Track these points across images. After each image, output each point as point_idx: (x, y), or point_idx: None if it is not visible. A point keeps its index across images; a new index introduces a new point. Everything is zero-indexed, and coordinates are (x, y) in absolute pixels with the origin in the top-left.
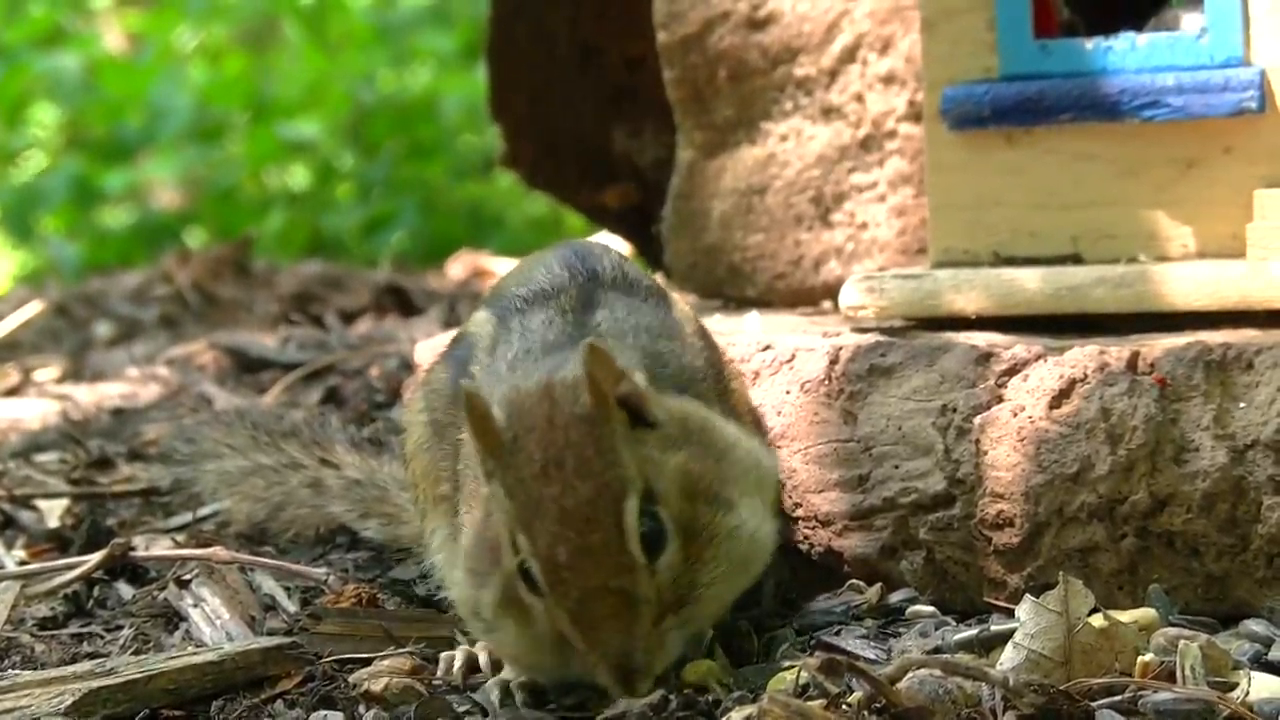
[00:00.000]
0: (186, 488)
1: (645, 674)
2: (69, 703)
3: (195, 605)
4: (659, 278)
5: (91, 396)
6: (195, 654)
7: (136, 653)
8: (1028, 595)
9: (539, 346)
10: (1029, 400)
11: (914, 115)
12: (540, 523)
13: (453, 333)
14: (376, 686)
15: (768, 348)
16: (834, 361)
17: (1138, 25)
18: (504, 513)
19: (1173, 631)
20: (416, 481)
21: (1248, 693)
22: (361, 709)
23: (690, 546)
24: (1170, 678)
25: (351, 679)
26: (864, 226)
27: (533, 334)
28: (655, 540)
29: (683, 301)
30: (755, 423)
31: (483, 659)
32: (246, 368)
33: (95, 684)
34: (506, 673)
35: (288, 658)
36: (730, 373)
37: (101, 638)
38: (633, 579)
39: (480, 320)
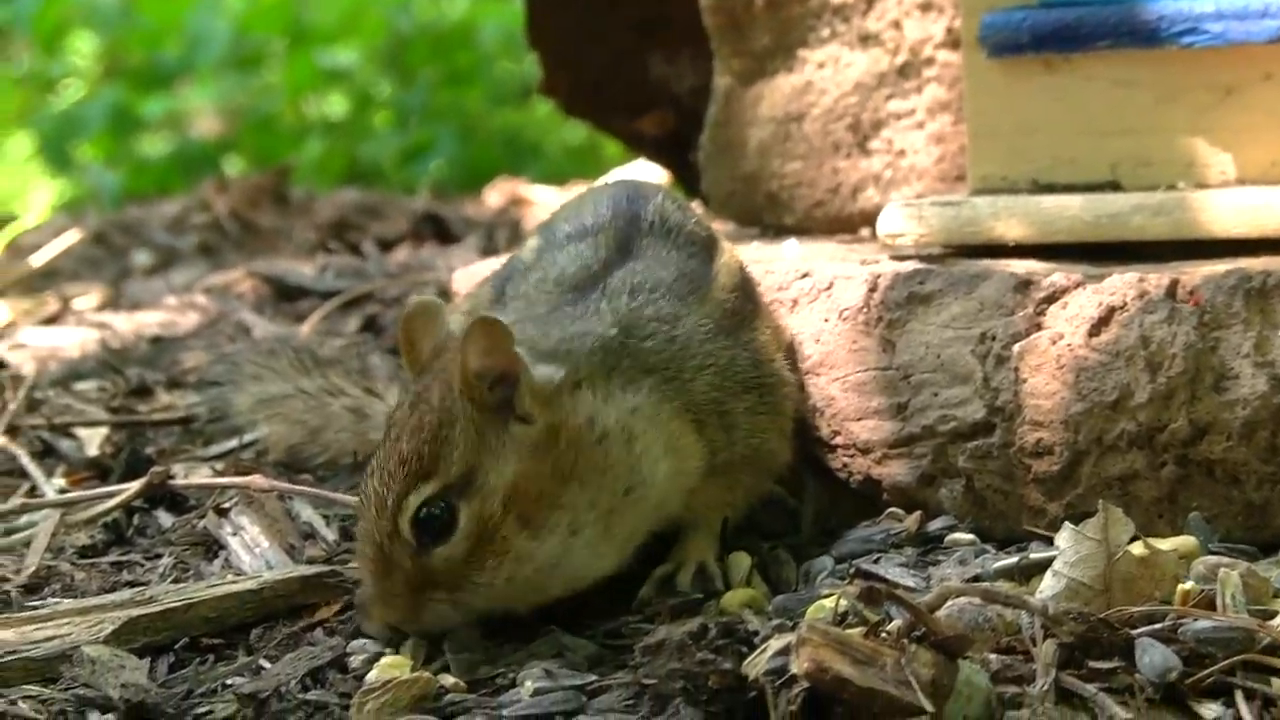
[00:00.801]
0: (226, 412)
1: (378, 626)
2: (109, 631)
3: (234, 533)
4: (699, 207)
5: (130, 325)
6: (234, 582)
7: (176, 581)
8: (1067, 523)
9: (554, 280)
10: (1068, 328)
11: (952, 42)
12: (379, 451)
13: (492, 260)
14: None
15: (806, 275)
16: (873, 289)
17: None
18: None
19: (1212, 559)
20: None
21: None
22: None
23: (482, 549)
24: (1210, 606)
25: None
26: (902, 154)
27: (556, 267)
28: (435, 530)
29: (731, 252)
30: (787, 365)
31: None
32: (284, 296)
33: (135, 612)
34: None
35: (327, 586)
36: (761, 323)
37: (141, 566)
38: (393, 546)
39: (529, 246)
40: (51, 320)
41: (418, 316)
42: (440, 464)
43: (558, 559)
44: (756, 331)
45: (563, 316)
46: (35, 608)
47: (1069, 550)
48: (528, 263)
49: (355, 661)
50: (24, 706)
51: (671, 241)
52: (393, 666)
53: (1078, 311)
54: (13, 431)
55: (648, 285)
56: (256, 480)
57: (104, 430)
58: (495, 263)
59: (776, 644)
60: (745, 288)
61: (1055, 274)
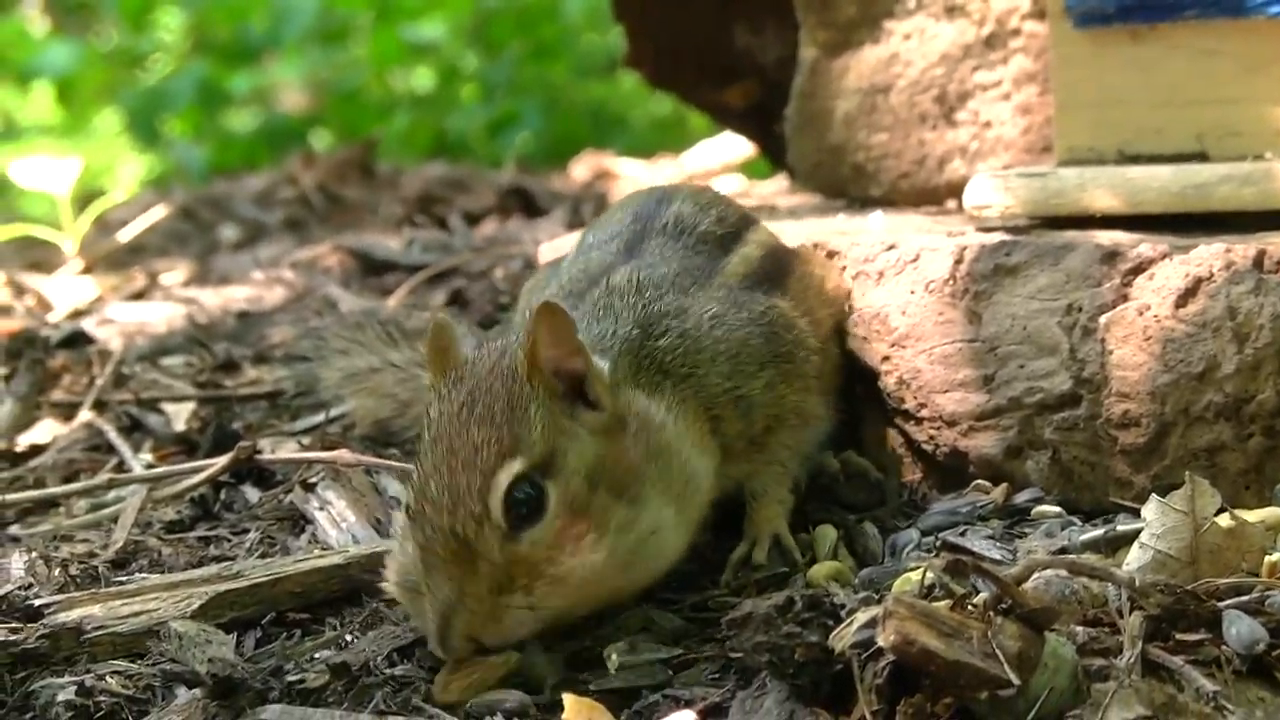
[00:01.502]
0: (313, 387)
1: (461, 637)
2: (196, 606)
3: (321, 508)
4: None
5: (217, 299)
6: (321, 557)
7: (263, 556)
8: (1154, 495)
9: (585, 274)
10: (1155, 299)
11: (1038, 13)
12: (428, 456)
13: (577, 235)
14: None
15: (892, 247)
16: (959, 261)
17: None
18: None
19: None
20: None
21: None
22: None
23: (574, 527)
24: None
25: None
26: (988, 125)
27: (567, 276)
28: (528, 509)
29: (757, 243)
30: (824, 326)
31: None
32: (371, 270)
33: (222, 587)
34: None
35: None
36: (783, 293)
37: (228, 541)
38: (480, 533)
39: (568, 257)
40: (139, 295)
41: (446, 330)
42: (521, 444)
43: (656, 526)
44: (775, 301)
45: (577, 319)
46: (123, 583)
47: (1155, 522)
48: (560, 272)
49: None
50: (111, 682)
51: (680, 241)
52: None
53: (1164, 282)
54: (100, 407)
55: (652, 281)
56: (343, 455)
57: (191, 405)
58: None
59: (863, 617)
60: (768, 265)
61: (1142, 245)
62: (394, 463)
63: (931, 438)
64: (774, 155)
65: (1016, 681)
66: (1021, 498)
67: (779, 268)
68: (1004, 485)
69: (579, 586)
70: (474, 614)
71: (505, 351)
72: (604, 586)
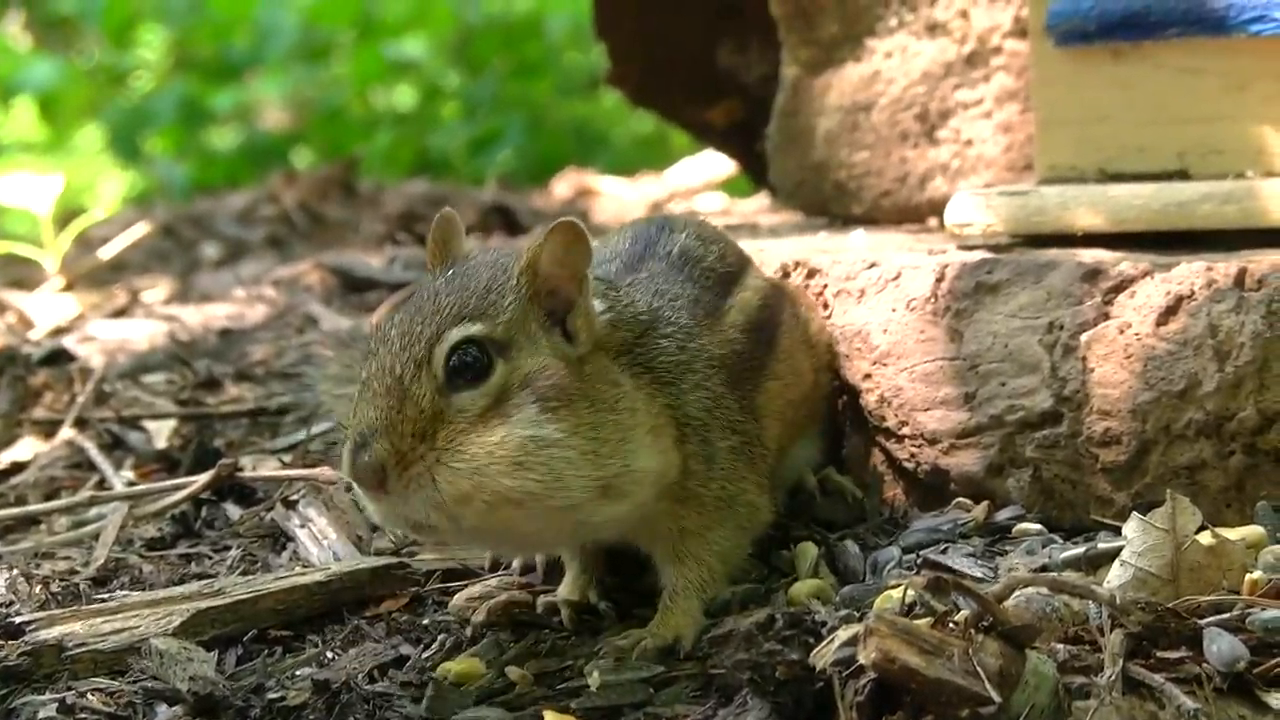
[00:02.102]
0: (303, 408)
1: (374, 462)
2: (177, 623)
3: (302, 525)
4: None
5: (199, 317)
6: (303, 574)
7: (244, 573)
8: (1135, 513)
9: None
10: (1136, 317)
11: (1019, 31)
12: (404, 307)
13: None
14: (478, 617)
15: (874, 265)
16: (940, 279)
17: None
18: None
19: None
20: None
21: None
22: (466, 631)
23: (494, 416)
24: (1278, 595)
25: (450, 604)
26: (969, 143)
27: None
28: (470, 374)
29: (755, 291)
30: (796, 421)
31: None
32: (353, 287)
33: (203, 604)
34: (562, 590)
35: (395, 578)
36: (767, 377)
37: (209, 558)
38: (417, 377)
39: None
40: (120, 313)
41: (449, 223)
42: (485, 317)
43: (566, 454)
44: (757, 388)
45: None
46: (104, 600)
47: (1136, 540)
48: None
49: (424, 654)
50: (93, 699)
51: (684, 272)
52: (463, 667)
53: (1145, 300)
54: (82, 424)
55: (669, 294)
56: (325, 472)
57: (172, 423)
58: None
59: (844, 635)
60: (762, 331)
61: (1123, 263)
62: None
63: (913, 455)
64: (756, 173)
65: (998, 699)
66: (1002, 515)
67: (771, 318)
68: (985, 503)
69: (473, 473)
70: (391, 448)
71: (507, 251)
72: (494, 485)
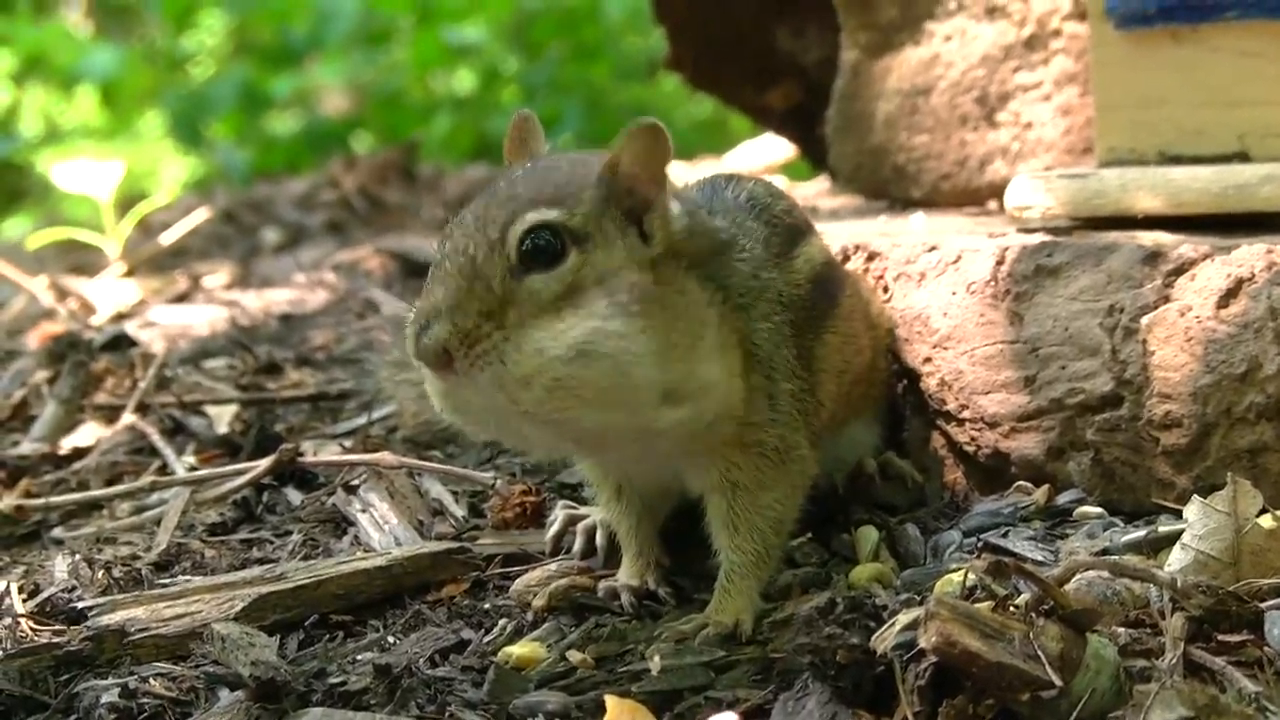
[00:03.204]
0: (364, 393)
1: (437, 341)
2: (239, 608)
3: (363, 510)
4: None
5: (259, 302)
6: (364, 559)
7: (305, 558)
8: (1196, 496)
9: None
10: (1196, 300)
11: (1079, 14)
12: (481, 196)
13: None
14: (539, 601)
15: (934, 249)
16: (1000, 262)
17: None
18: None
19: None
20: None
21: None
22: (527, 615)
23: (565, 305)
24: None
25: (511, 589)
26: (1029, 126)
27: None
28: (544, 258)
29: (820, 248)
30: (851, 396)
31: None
32: (412, 272)
33: (265, 589)
34: (622, 575)
35: (456, 562)
36: (832, 327)
37: (270, 543)
38: (490, 258)
39: None
40: (181, 298)
41: (528, 121)
42: (565, 205)
43: (626, 351)
44: (818, 339)
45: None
46: (166, 585)
47: (1197, 523)
48: None
49: (485, 639)
50: (155, 684)
51: (756, 215)
52: (524, 651)
53: (1206, 283)
54: (143, 410)
55: (744, 226)
56: (385, 457)
57: (233, 408)
58: None
59: (905, 619)
60: (826, 285)
61: (1183, 246)
62: (436, 465)
63: (973, 439)
64: (815, 157)
65: (1059, 683)
66: (1063, 499)
67: (834, 282)
68: (1046, 486)
69: (537, 352)
70: (456, 327)
71: (586, 152)
72: (556, 370)
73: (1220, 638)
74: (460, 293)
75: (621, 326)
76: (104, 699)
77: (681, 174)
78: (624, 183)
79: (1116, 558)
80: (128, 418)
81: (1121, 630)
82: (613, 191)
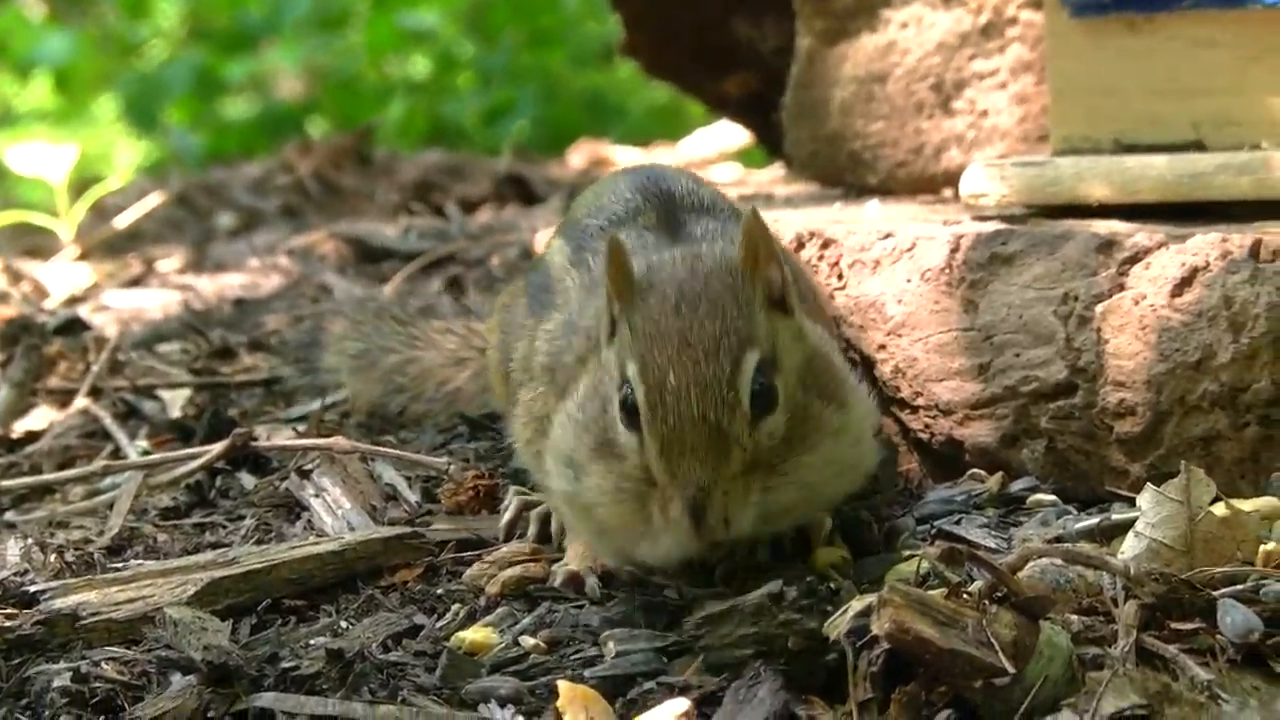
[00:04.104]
0: (313, 374)
1: (716, 522)
2: (191, 592)
3: (316, 495)
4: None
5: (213, 286)
6: (317, 544)
7: (258, 543)
8: (1149, 484)
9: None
10: (1151, 288)
11: (1035, 2)
12: (658, 351)
13: None
14: (493, 587)
15: (888, 236)
16: (955, 250)
17: None
18: (621, 350)
19: None
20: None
21: None
22: (480, 601)
23: (795, 429)
24: None
25: (465, 574)
26: (985, 114)
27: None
28: (764, 400)
29: None
30: None
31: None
32: (367, 257)
33: (217, 574)
34: (574, 561)
35: (409, 547)
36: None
37: (223, 527)
38: (733, 418)
39: (555, 248)
40: (135, 282)
41: (622, 248)
42: (754, 338)
43: (859, 434)
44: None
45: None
46: (118, 569)
47: (1151, 511)
48: (560, 265)
49: (438, 624)
50: (106, 668)
51: (714, 215)
52: (477, 637)
53: (1160, 272)
54: (96, 393)
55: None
56: (339, 442)
57: (187, 392)
58: None
59: (857, 605)
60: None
61: (1138, 234)
62: (390, 450)
63: (927, 426)
64: (771, 144)
65: (1011, 670)
66: (1017, 486)
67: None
68: (999, 474)
69: (800, 486)
70: (728, 495)
71: (710, 255)
72: (821, 486)
73: (1173, 625)
74: (721, 459)
75: (847, 417)
76: (55, 683)
77: (636, 162)
78: (763, 276)
79: (1070, 545)
80: (80, 401)
81: (1074, 617)
82: (762, 288)
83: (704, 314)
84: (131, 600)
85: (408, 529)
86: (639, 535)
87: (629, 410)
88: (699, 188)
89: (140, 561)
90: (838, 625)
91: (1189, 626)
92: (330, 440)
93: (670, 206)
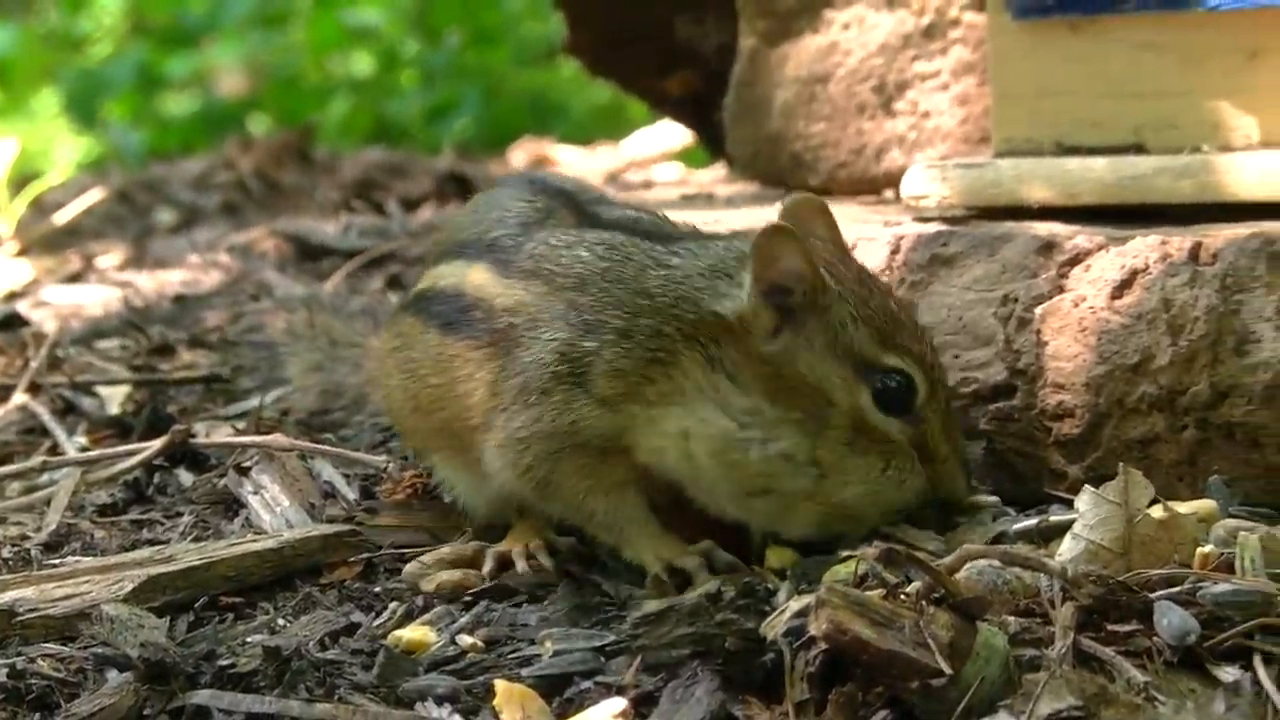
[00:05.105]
0: (254, 371)
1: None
2: (129, 589)
3: (255, 492)
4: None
5: (153, 283)
6: (254, 541)
7: (196, 539)
8: (1087, 486)
9: (609, 248)
10: (1090, 290)
11: (977, 3)
12: (904, 334)
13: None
14: (429, 585)
15: None
16: (895, 251)
17: None
18: (842, 343)
19: (1232, 523)
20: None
21: None
22: (418, 599)
23: None
24: (1229, 569)
25: (403, 572)
26: (926, 115)
27: (588, 245)
28: None
29: None
30: None
31: (520, 564)
32: (308, 255)
33: (155, 570)
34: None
35: (347, 545)
36: None
37: (161, 524)
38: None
39: (461, 270)
40: (74, 278)
41: (797, 235)
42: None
43: None
44: None
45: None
46: (55, 565)
47: (1089, 513)
48: (496, 284)
49: (375, 622)
50: (43, 664)
51: (608, 202)
52: (414, 635)
53: (1100, 274)
54: (35, 389)
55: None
56: (278, 439)
57: (126, 388)
58: None
59: (795, 605)
60: None
61: (1078, 236)
62: (328, 448)
63: None
64: (712, 144)
65: (948, 671)
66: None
67: None
68: None
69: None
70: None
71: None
72: None
73: (1110, 627)
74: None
75: None
76: None
77: (577, 161)
78: None
79: (1007, 547)
80: (19, 397)
81: (1011, 619)
82: None
83: (887, 294)
84: (69, 597)
85: (345, 526)
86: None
87: (889, 397)
88: (576, 178)
89: (78, 558)
90: (775, 625)
91: (1126, 628)
92: (269, 438)
93: (576, 202)
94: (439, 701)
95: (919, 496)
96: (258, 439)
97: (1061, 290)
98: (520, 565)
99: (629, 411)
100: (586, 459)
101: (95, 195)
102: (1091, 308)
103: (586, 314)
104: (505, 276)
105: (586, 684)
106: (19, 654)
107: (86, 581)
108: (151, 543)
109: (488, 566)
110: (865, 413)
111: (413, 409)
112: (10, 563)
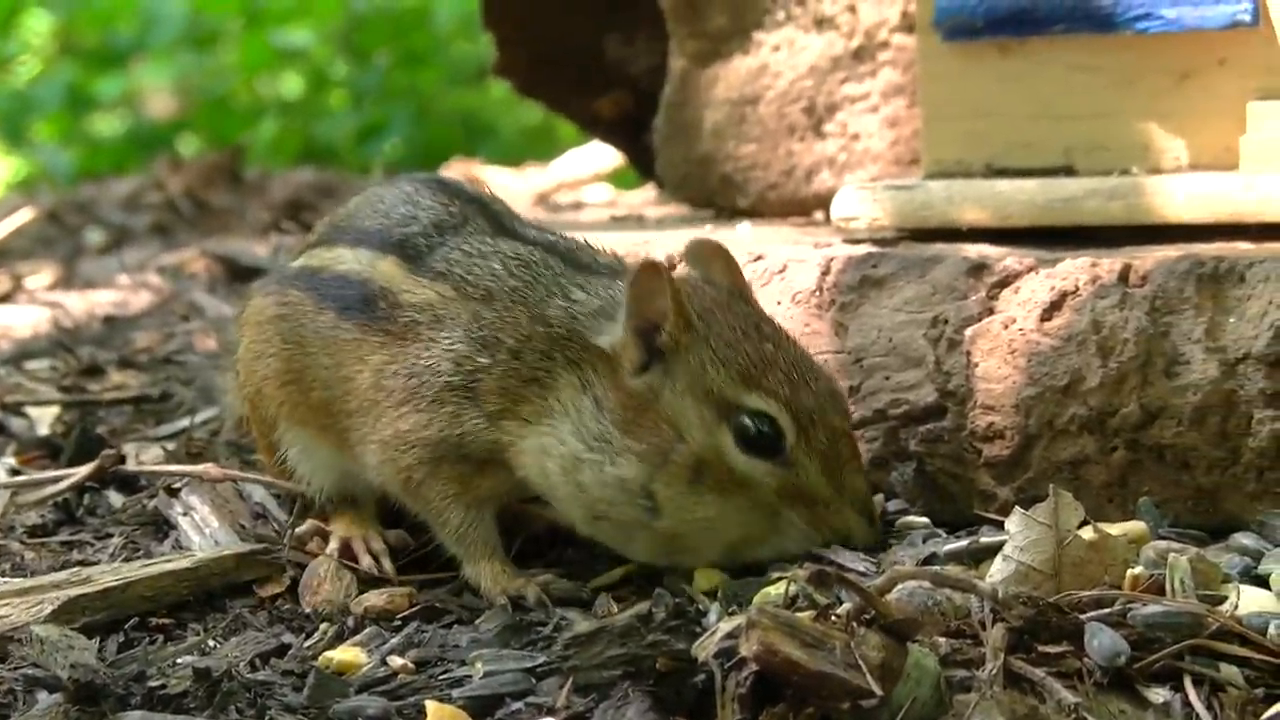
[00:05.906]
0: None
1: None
2: (49, 611)
3: (185, 513)
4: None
5: (83, 304)
6: (169, 560)
7: (125, 561)
8: (1018, 507)
9: (523, 266)
10: (1020, 312)
11: (907, 26)
12: (774, 376)
13: None
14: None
15: (759, 258)
16: (825, 272)
17: None
18: (704, 383)
19: (1162, 544)
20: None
21: (1236, 606)
22: (348, 620)
23: None
24: (1160, 591)
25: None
26: (856, 137)
27: (503, 259)
28: None
29: None
30: None
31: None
32: (238, 275)
33: (74, 592)
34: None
35: (263, 563)
36: None
37: (91, 546)
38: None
39: (366, 260)
40: (3, 299)
41: (670, 272)
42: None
43: None
44: None
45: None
46: None
47: (1019, 534)
48: (405, 279)
49: (305, 643)
50: None
51: (518, 217)
52: (345, 656)
53: (1030, 296)
54: None
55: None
56: (210, 469)
57: (55, 409)
58: None
59: (726, 627)
60: None
61: (1008, 258)
62: (260, 476)
63: None
64: (643, 165)
65: (879, 692)
66: (887, 509)
67: None
68: None
69: None
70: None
71: (712, 288)
72: None
73: (1040, 648)
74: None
75: None
76: None
77: (507, 182)
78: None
79: (938, 568)
80: None
81: (942, 640)
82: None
83: (781, 335)
84: None
85: (259, 545)
86: (757, 545)
87: (752, 440)
88: (485, 189)
89: (6, 580)
90: (706, 646)
91: (1057, 649)
92: (201, 467)
93: (490, 211)
94: None
95: (781, 539)
96: (189, 468)
97: (991, 312)
98: (365, 561)
99: (507, 427)
100: (464, 468)
101: (24, 215)
102: (1021, 329)
103: (486, 330)
104: (415, 274)
105: (517, 705)
106: None
107: (6, 605)
108: (82, 564)
109: (332, 546)
110: (725, 453)
111: (287, 381)
112: None
